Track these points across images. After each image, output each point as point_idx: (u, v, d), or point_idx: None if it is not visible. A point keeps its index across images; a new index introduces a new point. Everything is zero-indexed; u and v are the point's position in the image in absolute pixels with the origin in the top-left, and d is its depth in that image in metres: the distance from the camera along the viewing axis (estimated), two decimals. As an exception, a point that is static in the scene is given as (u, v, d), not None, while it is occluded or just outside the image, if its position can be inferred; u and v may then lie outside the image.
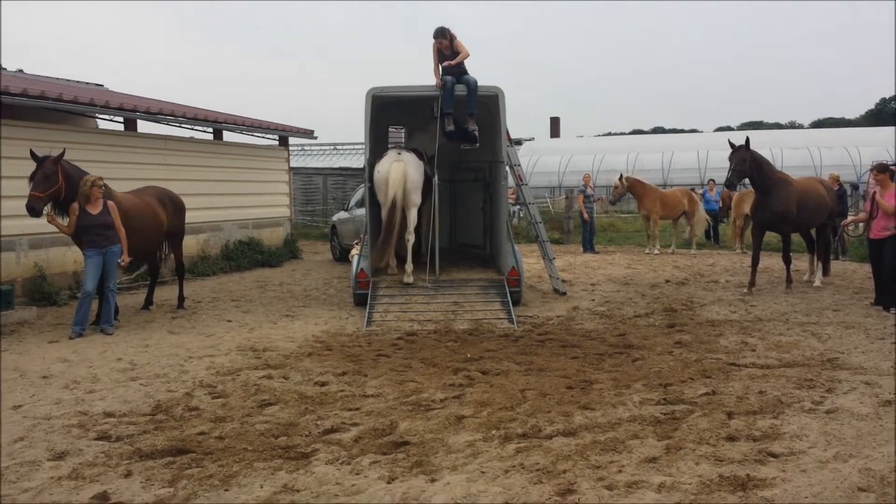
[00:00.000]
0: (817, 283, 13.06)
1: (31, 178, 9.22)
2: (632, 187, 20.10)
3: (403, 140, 14.21)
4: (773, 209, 12.18)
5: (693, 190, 24.09)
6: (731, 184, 12.29)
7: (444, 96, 10.98)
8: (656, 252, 19.49)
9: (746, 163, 11.95)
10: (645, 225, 20.75)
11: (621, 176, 20.38)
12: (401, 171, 10.78)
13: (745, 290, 12.31)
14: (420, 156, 11.52)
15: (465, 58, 11.16)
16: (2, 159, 11.36)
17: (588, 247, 20.26)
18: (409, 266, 11.06)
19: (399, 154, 11.14)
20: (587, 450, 5.12)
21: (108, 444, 5.39)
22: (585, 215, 20.29)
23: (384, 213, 10.97)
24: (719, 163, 36.55)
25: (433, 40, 11.17)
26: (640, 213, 20.89)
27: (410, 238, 11.04)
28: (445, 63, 11.12)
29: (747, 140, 12.05)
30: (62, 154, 9.52)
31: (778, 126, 77.28)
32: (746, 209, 18.80)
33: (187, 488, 4.57)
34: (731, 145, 12.22)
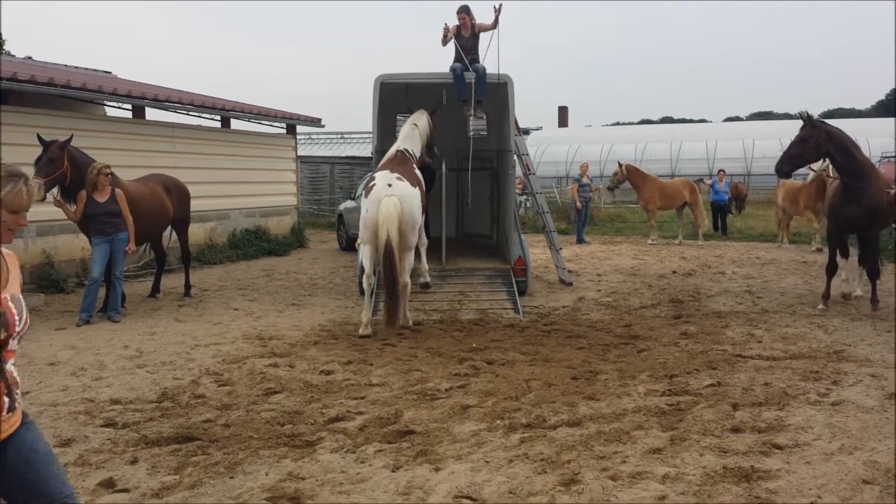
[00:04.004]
0: (859, 291, 10.92)
1: (36, 162, 9.27)
2: (630, 176, 19.97)
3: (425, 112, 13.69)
4: (862, 204, 9.57)
5: (701, 180, 23.90)
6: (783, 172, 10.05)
7: (457, 84, 10.93)
8: (651, 241, 19.43)
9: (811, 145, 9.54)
10: (647, 215, 20.64)
11: (620, 164, 20.33)
12: (393, 208, 8.75)
13: (821, 306, 10.15)
14: (411, 165, 9.84)
15: (490, 28, 10.98)
16: (3, 146, 11.37)
17: (579, 237, 20.10)
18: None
19: (390, 186, 9.00)
20: (592, 440, 5.13)
21: (115, 431, 5.42)
22: (578, 204, 20.19)
23: (375, 257, 8.96)
24: (728, 153, 36.57)
25: (457, 17, 11.03)
26: (640, 203, 20.77)
27: (407, 284, 9.05)
28: (479, 29, 10.94)
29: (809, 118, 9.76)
30: (69, 139, 9.55)
31: (788, 116, 76.79)
32: (780, 200, 17.97)
33: (193, 475, 4.59)
34: (804, 118, 9.75)
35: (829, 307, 10.07)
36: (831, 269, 10.29)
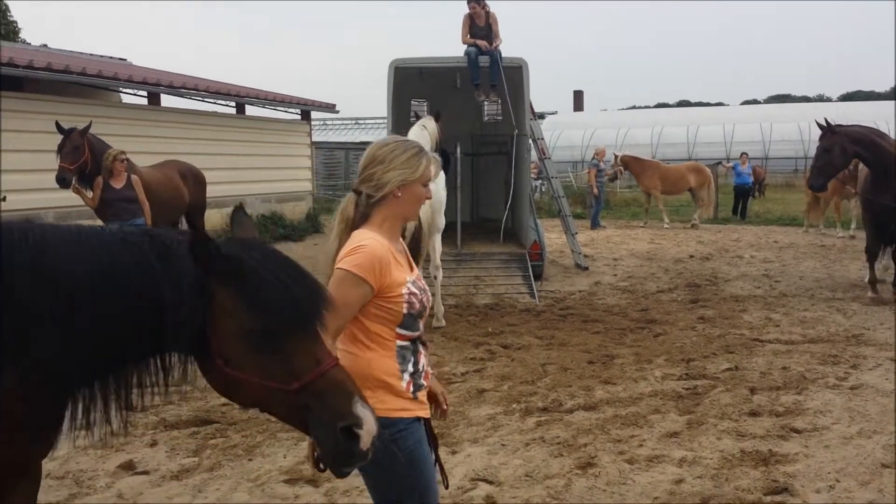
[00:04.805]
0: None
1: (59, 149, 9.32)
2: (627, 165, 19.90)
3: (426, 111, 13.73)
4: (894, 195, 9.01)
5: (720, 163, 23.56)
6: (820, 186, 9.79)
7: (470, 68, 10.87)
8: (648, 223, 19.39)
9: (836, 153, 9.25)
10: (645, 200, 20.34)
11: (616, 156, 20.19)
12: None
13: (871, 294, 9.49)
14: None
15: (499, 43, 10.88)
16: (22, 133, 11.48)
17: (595, 222, 19.80)
18: (438, 307, 8.56)
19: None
20: (608, 424, 5.12)
21: (134, 414, 5.46)
22: (595, 190, 19.92)
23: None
24: (745, 136, 36.21)
25: (467, 6, 10.91)
26: (642, 190, 20.51)
27: (439, 274, 8.80)
28: (481, 44, 10.79)
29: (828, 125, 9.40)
30: (88, 126, 9.60)
31: (806, 99, 76.09)
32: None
33: (211, 458, 4.63)
34: (822, 127, 9.46)
35: (879, 292, 9.46)
36: (872, 255, 9.71)
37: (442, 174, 9.09)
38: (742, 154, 22.00)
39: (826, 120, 9.51)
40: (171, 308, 2.06)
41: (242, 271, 2.09)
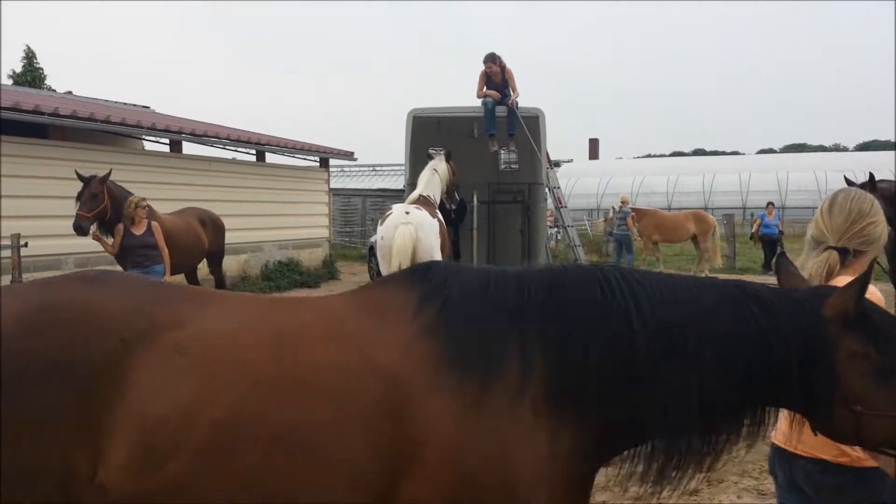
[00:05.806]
0: None
1: (78, 197, 9.45)
2: (636, 215, 20.00)
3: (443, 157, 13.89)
4: None
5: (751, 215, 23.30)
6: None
7: (486, 118, 11.01)
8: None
9: None
10: (650, 249, 20.13)
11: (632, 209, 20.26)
12: (408, 236, 8.50)
13: None
14: (432, 208, 9.66)
15: (516, 97, 11.08)
16: (45, 179, 11.69)
17: None
18: None
19: (407, 213, 8.83)
20: (626, 480, 5.04)
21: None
22: (637, 236, 19.67)
23: None
24: (762, 185, 36.21)
25: (483, 65, 11.16)
26: (641, 238, 20.25)
27: None
28: (493, 94, 10.97)
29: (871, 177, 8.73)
30: (108, 174, 9.74)
31: (822, 149, 76.13)
32: None
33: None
34: (851, 184, 9.27)
35: None
36: None
37: (432, 222, 9.08)
38: (768, 204, 21.42)
39: (871, 175, 8.64)
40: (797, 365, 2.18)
41: (867, 314, 2.17)
